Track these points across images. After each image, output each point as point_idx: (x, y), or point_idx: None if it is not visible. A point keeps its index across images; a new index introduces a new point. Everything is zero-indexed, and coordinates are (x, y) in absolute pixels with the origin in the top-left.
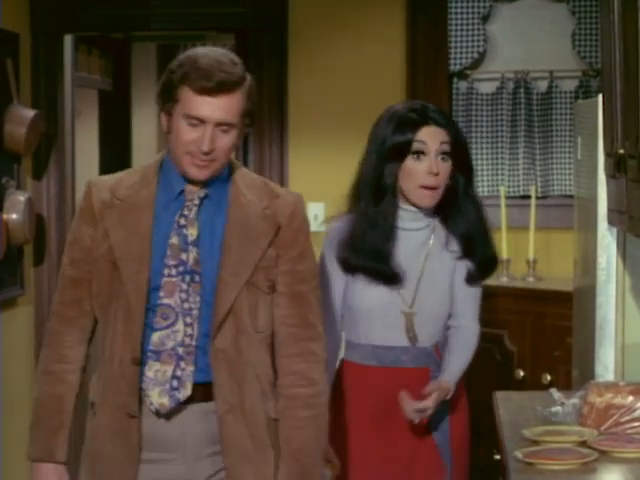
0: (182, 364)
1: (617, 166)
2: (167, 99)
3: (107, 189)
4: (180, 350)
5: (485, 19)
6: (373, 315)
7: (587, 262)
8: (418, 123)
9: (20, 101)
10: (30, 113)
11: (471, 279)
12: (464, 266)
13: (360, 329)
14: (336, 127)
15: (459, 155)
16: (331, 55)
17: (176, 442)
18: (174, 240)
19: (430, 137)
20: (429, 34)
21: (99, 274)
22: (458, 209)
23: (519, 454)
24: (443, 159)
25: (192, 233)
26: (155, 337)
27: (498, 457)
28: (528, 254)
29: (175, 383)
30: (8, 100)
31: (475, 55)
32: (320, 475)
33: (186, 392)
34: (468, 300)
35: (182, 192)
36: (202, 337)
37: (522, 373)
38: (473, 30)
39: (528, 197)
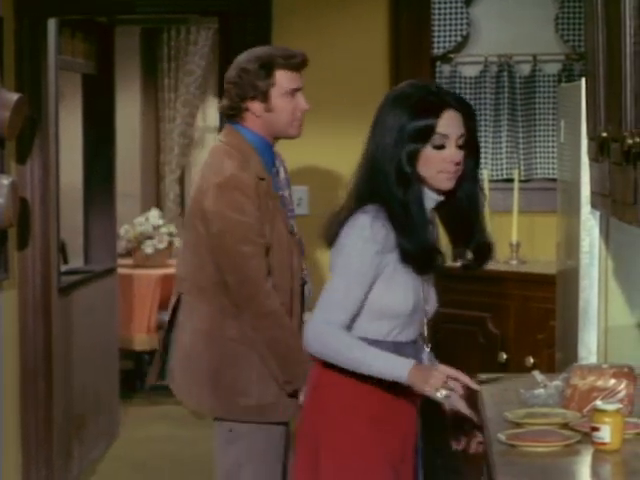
0: None
1: (600, 149)
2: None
3: (250, 176)
4: None
5: (468, 2)
6: (407, 313)
7: (570, 245)
8: (438, 107)
9: (4, 85)
10: (14, 97)
11: (467, 267)
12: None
13: (385, 327)
14: (319, 111)
15: (472, 140)
16: (315, 39)
17: None
18: (286, 193)
19: (451, 126)
20: (412, 17)
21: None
22: (462, 194)
23: (502, 436)
24: (461, 147)
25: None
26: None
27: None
28: (511, 237)
29: None
30: None
31: (458, 38)
32: None
33: None
34: None
35: (274, 158)
36: None
37: (505, 356)
38: (456, 13)
39: (511, 181)
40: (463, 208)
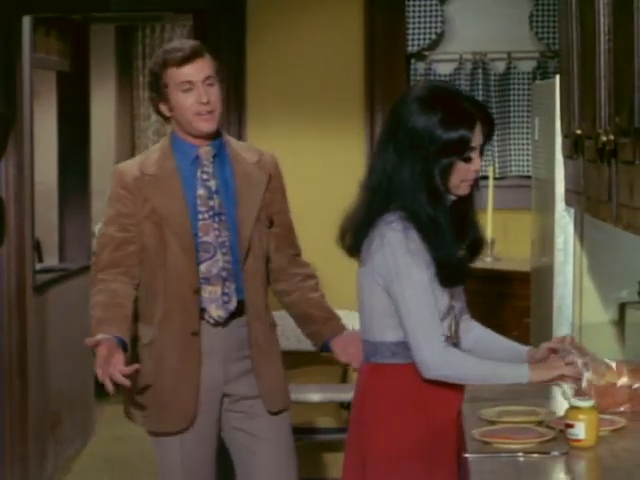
0: (227, 284)
1: (574, 147)
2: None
3: (136, 169)
4: (223, 274)
5: (443, 0)
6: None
7: (545, 243)
8: (472, 119)
9: None
10: None
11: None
12: None
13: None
14: (295, 108)
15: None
16: (290, 36)
17: (218, 349)
18: (201, 192)
19: (478, 138)
20: (387, 15)
21: (144, 233)
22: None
23: (475, 433)
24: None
25: (213, 184)
26: (202, 267)
27: None
28: (486, 235)
29: (225, 298)
30: None
31: (433, 36)
32: None
33: (234, 304)
34: None
35: (197, 157)
36: (234, 263)
37: None
38: (431, 11)
39: (486, 178)
40: (459, 205)
